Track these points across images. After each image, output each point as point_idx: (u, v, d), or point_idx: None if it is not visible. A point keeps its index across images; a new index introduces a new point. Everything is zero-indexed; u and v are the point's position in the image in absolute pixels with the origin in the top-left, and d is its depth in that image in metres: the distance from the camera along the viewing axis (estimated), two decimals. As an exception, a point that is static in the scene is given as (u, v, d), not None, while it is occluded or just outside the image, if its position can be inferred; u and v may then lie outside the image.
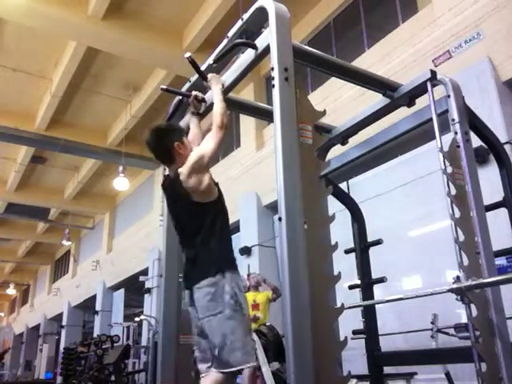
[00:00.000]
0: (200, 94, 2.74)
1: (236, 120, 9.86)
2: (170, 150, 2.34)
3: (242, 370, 2.11)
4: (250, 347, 2.12)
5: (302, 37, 8.34)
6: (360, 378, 3.77)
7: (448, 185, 2.40)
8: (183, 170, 2.25)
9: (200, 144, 2.42)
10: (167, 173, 2.45)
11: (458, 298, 2.30)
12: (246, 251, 8.41)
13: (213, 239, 2.23)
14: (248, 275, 6.26)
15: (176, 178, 2.28)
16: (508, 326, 2.30)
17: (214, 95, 2.45)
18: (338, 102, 6.85)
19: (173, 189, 2.35)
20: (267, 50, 2.19)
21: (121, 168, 11.00)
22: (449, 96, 2.63)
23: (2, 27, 8.50)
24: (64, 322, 18.30)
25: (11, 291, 25.29)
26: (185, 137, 2.47)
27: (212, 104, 2.50)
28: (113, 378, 8.59)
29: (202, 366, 2.21)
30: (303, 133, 2.15)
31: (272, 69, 2.07)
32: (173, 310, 2.63)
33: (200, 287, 2.15)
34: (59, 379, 13.26)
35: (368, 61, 6.71)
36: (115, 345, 9.56)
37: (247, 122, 9.38)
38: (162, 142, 2.36)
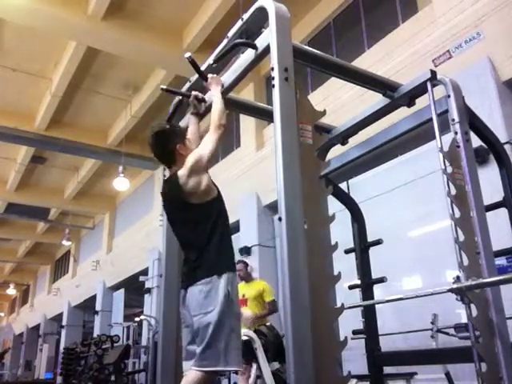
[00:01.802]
0: (200, 94, 2.74)
1: (236, 120, 9.86)
2: (172, 151, 2.36)
3: (224, 371, 2.11)
4: (235, 350, 2.09)
5: (302, 37, 8.34)
6: (360, 377, 3.77)
7: (448, 185, 2.40)
8: (182, 173, 2.27)
9: (199, 144, 2.42)
10: (166, 174, 2.45)
11: (458, 298, 2.30)
12: (245, 251, 8.41)
13: (212, 240, 2.23)
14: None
15: (175, 182, 2.29)
16: (508, 325, 2.30)
17: (213, 96, 2.46)
18: (338, 101, 6.85)
19: (172, 193, 2.36)
20: (267, 50, 2.19)
21: (121, 168, 11.00)
22: (449, 96, 2.63)
23: (2, 27, 8.50)
24: (64, 322, 18.30)
25: (11, 291, 25.28)
26: (186, 138, 2.49)
27: (212, 104, 2.51)
28: (113, 378, 8.59)
29: (186, 364, 2.21)
30: (303, 133, 2.15)
31: (272, 69, 2.07)
32: (173, 310, 2.63)
33: (196, 285, 2.17)
34: (59, 379, 13.26)
35: (368, 61, 6.71)
36: (115, 345, 9.55)
37: (247, 122, 9.38)
38: (164, 143, 2.38)
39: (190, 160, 2.27)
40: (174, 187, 2.30)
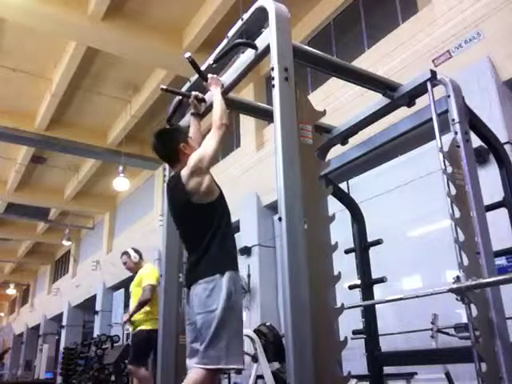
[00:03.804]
0: (200, 94, 2.74)
1: (236, 120, 9.86)
2: (176, 150, 2.40)
3: (226, 369, 2.12)
4: (237, 348, 2.11)
5: (302, 37, 8.34)
6: (360, 378, 3.77)
7: (448, 185, 2.40)
8: (184, 172, 2.28)
9: (200, 144, 2.44)
10: (166, 174, 2.47)
11: (458, 298, 2.30)
12: (245, 251, 8.42)
13: (215, 240, 2.24)
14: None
15: (178, 181, 2.30)
16: (508, 325, 2.30)
17: (214, 96, 2.46)
18: (338, 101, 6.85)
19: (175, 192, 2.37)
20: (267, 50, 2.19)
21: (121, 168, 11.00)
22: (449, 96, 2.63)
23: (2, 27, 8.50)
24: (64, 322, 18.30)
25: (11, 291, 25.30)
26: (189, 137, 2.51)
27: (212, 104, 2.51)
28: (113, 378, 8.59)
29: (189, 362, 2.22)
30: (303, 133, 2.15)
31: (272, 69, 2.07)
32: (173, 310, 2.64)
33: (199, 284, 2.18)
34: (59, 379, 13.26)
35: (368, 61, 6.70)
36: (115, 345, 9.55)
37: (247, 122, 9.38)
38: (168, 142, 2.43)
39: (191, 160, 2.28)
40: (177, 186, 2.32)
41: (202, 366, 2.06)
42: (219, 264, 2.20)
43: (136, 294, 4.83)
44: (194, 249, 2.32)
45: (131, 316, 4.66)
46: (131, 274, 5.24)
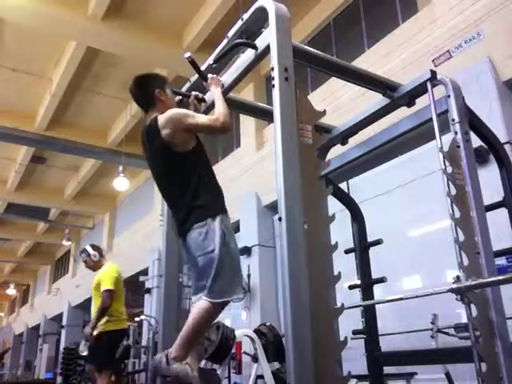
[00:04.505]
0: (200, 94, 2.74)
1: (236, 120, 9.87)
2: (152, 95, 2.45)
3: (229, 302, 2.23)
4: (238, 282, 2.26)
5: (302, 37, 8.34)
6: (360, 378, 3.77)
7: (448, 185, 2.40)
8: (162, 116, 2.32)
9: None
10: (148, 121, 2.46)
11: (458, 297, 2.30)
12: (245, 251, 8.41)
13: (201, 187, 2.28)
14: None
15: (154, 124, 2.33)
16: (508, 325, 2.30)
17: (215, 97, 2.46)
18: (338, 102, 6.85)
19: (152, 137, 2.37)
20: (267, 50, 2.19)
21: (121, 168, 11.00)
22: (449, 96, 2.63)
23: (2, 27, 8.50)
24: (64, 322, 18.29)
25: (11, 291, 25.27)
26: (167, 88, 2.54)
27: (212, 104, 2.50)
28: (113, 378, 8.58)
29: (195, 298, 2.31)
30: (303, 133, 2.15)
31: (272, 69, 2.07)
32: (173, 310, 2.63)
33: (193, 229, 2.24)
34: (59, 379, 13.26)
35: (368, 61, 6.71)
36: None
37: (247, 122, 9.38)
38: (144, 87, 2.50)
39: (175, 110, 2.34)
40: (153, 131, 2.33)
41: (210, 300, 2.16)
42: (209, 209, 2.25)
43: (95, 297, 4.65)
44: (178, 197, 2.33)
45: (94, 327, 4.45)
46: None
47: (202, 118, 2.34)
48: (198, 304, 2.19)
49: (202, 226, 2.21)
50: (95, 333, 4.48)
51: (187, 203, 2.27)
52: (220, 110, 2.34)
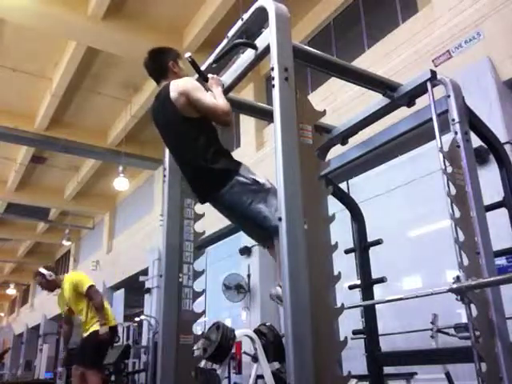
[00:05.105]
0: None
1: (236, 120, 9.86)
2: (166, 67, 2.55)
3: None
4: None
5: (302, 37, 8.34)
6: (360, 378, 3.77)
7: (448, 185, 2.40)
8: (175, 81, 2.39)
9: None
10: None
11: (458, 297, 2.30)
12: (245, 251, 8.41)
13: (214, 151, 2.31)
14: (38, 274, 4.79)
15: (166, 89, 2.39)
16: (508, 325, 2.30)
17: (217, 96, 2.45)
18: (338, 102, 6.85)
19: (161, 100, 2.44)
20: (267, 50, 2.18)
21: (121, 168, 11.01)
22: (449, 96, 2.63)
23: (2, 27, 8.50)
24: (64, 322, 18.26)
25: (11, 291, 25.28)
26: (180, 60, 2.62)
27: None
28: (113, 378, 8.59)
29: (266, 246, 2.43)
30: (303, 133, 2.15)
31: (272, 69, 2.06)
32: (173, 310, 2.63)
33: (225, 192, 2.27)
34: (59, 382, 13.23)
35: (368, 61, 6.71)
36: (115, 345, 9.53)
37: (247, 122, 9.38)
38: (158, 58, 2.59)
39: (190, 79, 2.41)
40: (164, 94, 2.40)
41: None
42: (230, 167, 2.30)
43: (75, 301, 4.65)
44: (194, 160, 2.35)
45: (105, 323, 4.52)
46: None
47: (208, 98, 2.34)
48: (276, 246, 2.22)
49: (232, 186, 2.26)
50: (85, 335, 4.63)
51: (206, 168, 2.30)
52: (223, 103, 2.35)
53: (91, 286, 4.60)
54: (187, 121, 2.37)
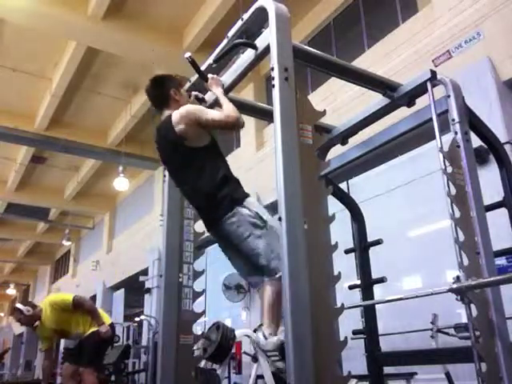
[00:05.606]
0: (200, 94, 2.74)
1: (236, 120, 9.86)
2: (167, 95, 2.50)
3: None
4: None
5: (302, 37, 8.34)
6: (360, 378, 3.76)
7: (448, 185, 2.40)
8: (176, 112, 2.34)
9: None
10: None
11: (458, 297, 2.30)
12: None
13: (221, 180, 2.29)
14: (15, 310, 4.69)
15: (168, 120, 2.36)
16: (508, 325, 2.30)
17: (219, 97, 2.46)
18: (338, 102, 6.85)
19: (164, 132, 2.42)
20: (267, 50, 2.19)
21: (121, 168, 11.01)
22: (449, 96, 2.63)
23: (2, 27, 8.50)
24: (64, 322, 18.26)
25: (11, 291, 25.27)
26: (182, 88, 2.60)
27: (212, 104, 2.51)
28: (113, 378, 8.59)
29: (255, 288, 2.38)
30: (303, 133, 2.15)
31: (272, 69, 2.06)
32: (173, 310, 2.63)
33: (224, 221, 2.24)
34: (59, 379, 13.23)
35: (368, 61, 6.71)
36: (115, 345, 9.54)
37: (247, 122, 9.26)
38: (160, 86, 2.55)
39: (191, 106, 2.38)
40: (167, 127, 2.37)
41: (273, 278, 2.16)
42: (234, 198, 2.27)
43: (66, 320, 4.59)
44: (199, 192, 2.35)
45: (103, 322, 4.56)
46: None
47: (216, 114, 2.34)
48: (265, 287, 2.20)
49: (232, 215, 2.22)
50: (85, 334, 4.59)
51: (210, 196, 2.28)
52: (230, 108, 2.34)
53: (75, 297, 4.58)
54: (194, 151, 2.34)
